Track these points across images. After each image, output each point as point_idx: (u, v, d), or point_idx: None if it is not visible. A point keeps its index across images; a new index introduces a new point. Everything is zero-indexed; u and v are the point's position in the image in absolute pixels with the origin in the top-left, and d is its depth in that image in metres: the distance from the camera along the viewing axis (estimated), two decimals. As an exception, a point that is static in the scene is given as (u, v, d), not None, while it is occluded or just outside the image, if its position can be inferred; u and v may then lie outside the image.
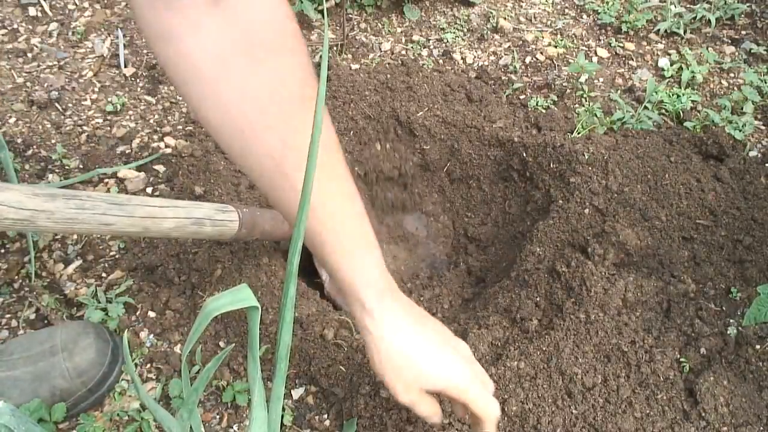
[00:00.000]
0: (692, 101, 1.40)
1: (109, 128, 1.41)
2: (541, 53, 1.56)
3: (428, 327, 0.77)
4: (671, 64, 1.50)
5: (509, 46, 1.60)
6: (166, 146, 1.38)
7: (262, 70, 0.64)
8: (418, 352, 0.74)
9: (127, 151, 1.36)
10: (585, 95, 1.44)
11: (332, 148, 0.71)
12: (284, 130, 0.67)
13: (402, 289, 1.20)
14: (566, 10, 1.70)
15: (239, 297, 0.56)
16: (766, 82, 1.40)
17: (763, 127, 1.35)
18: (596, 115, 1.38)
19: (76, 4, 1.68)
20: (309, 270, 1.28)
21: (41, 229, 0.73)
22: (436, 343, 0.76)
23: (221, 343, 1.04)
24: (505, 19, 1.67)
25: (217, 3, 0.62)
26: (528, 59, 1.55)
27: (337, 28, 1.63)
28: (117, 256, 1.17)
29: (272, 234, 1.04)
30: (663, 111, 1.40)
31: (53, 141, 1.36)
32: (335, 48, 1.58)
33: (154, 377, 1.01)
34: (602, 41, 1.60)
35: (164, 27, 0.63)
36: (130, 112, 1.45)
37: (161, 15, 0.62)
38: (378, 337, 0.73)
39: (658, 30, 1.58)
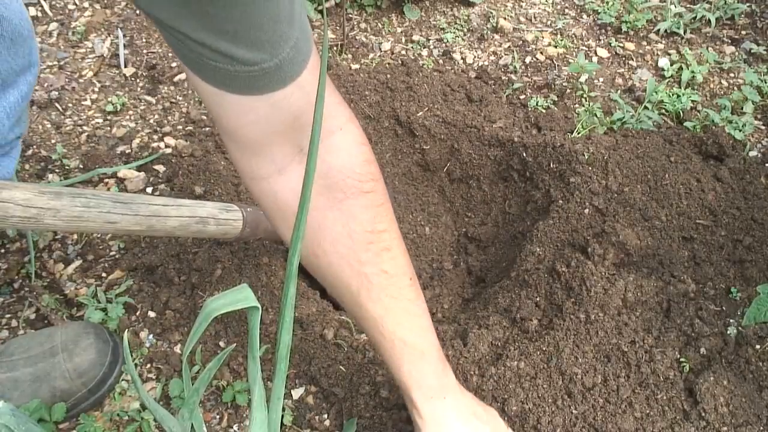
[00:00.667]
0: (692, 101, 1.40)
1: (109, 128, 1.41)
2: (541, 53, 1.56)
3: (474, 425, 0.81)
4: (671, 64, 1.50)
5: (509, 46, 1.60)
6: (166, 146, 1.38)
7: (338, 207, 0.71)
8: None
9: (127, 151, 1.36)
10: (585, 95, 1.44)
11: (405, 273, 0.78)
12: (355, 260, 0.73)
13: None
14: (566, 10, 1.70)
15: (239, 297, 0.56)
16: (766, 82, 1.40)
17: (763, 127, 1.35)
18: (596, 115, 1.38)
19: (76, 4, 1.68)
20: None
21: (47, 227, 0.73)
22: None
23: (221, 343, 1.04)
24: (505, 19, 1.67)
25: (302, 149, 0.68)
26: (528, 59, 1.55)
27: (337, 28, 1.63)
28: (117, 256, 1.17)
29: (276, 234, 1.04)
30: (663, 111, 1.40)
31: (53, 141, 1.36)
32: (335, 48, 1.58)
33: (154, 377, 1.01)
34: (602, 41, 1.60)
35: (253, 168, 0.70)
36: (130, 112, 1.45)
37: (250, 160, 0.69)
38: None
39: (658, 30, 1.59)
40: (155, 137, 1.40)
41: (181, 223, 0.85)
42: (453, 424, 0.79)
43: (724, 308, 1.02)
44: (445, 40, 1.63)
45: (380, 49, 1.61)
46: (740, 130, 1.29)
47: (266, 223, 1.01)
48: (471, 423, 0.81)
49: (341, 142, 0.70)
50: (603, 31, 1.63)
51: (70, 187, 0.75)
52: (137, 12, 1.66)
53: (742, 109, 1.35)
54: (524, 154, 1.32)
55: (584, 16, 1.68)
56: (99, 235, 1.20)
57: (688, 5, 1.66)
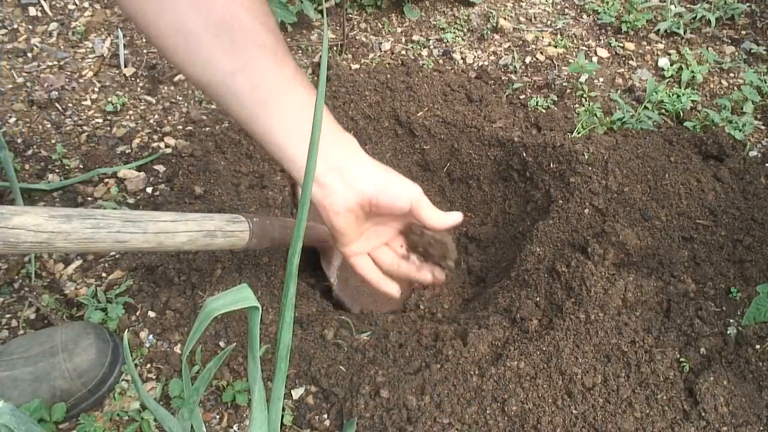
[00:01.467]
0: (692, 101, 1.40)
1: (109, 128, 1.41)
2: (541, 53, 1.56)
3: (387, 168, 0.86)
4: (671, 64, 1.50)
5: (509, 46, 1.60)
6: (166, 146, 1.38)
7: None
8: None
9: (127, 151, 1.36)
10: (585, 95, 1.44)
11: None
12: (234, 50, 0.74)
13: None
14: (566, 10, 1.70)
15: (239, 297, 0.56)
16: (766, 82, 1.40)
17: (763, 127, 1.35)
18: (596, 115, 1.38)
19: (76, 4, 1.68)
20: (316, 272, 1.28)
21: (57, 250, 0.74)
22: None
23: (221, 343, 1.04)
24: (505, 19, 1.67)
25: None
26: (528, 59, 1.55)
27: (337, 28, 1.63)
28: (117, 256, 1.17)
29: (282, 242, 1.04)
30: (663, 111, 1.40)
31: (53, 141, 1.36)
32: (335, 48, 1.58)
33: (154, 377, 1.01)
34: (602, 41, 1.60)
35: None
36: (130, 112, 1.45)
37: None
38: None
39: (658, 30, 1.59)
40: (155, 137, 1.40)
41: (189, 237, 0.86)
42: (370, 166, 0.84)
43: (724, 308, 1.02)
44: (445, 40, 1.63)
45: (380, 49, 1.61)
46: (740, 130, 1.29)
47: (273, 232, 1.02)
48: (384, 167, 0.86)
49: None
50: (603, 31, 1.63)
51: (79, 208, 0.76)
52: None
53: (742, 109, 1.35)
54: (524, 154, 1.32)
55: (584, 16, 1.68)
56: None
57: (688, 5, 1.66)
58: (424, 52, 1.60)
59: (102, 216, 0.77)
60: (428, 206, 0.88)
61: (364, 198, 0.83)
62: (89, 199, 1.26)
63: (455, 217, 0.90)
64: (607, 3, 1.68)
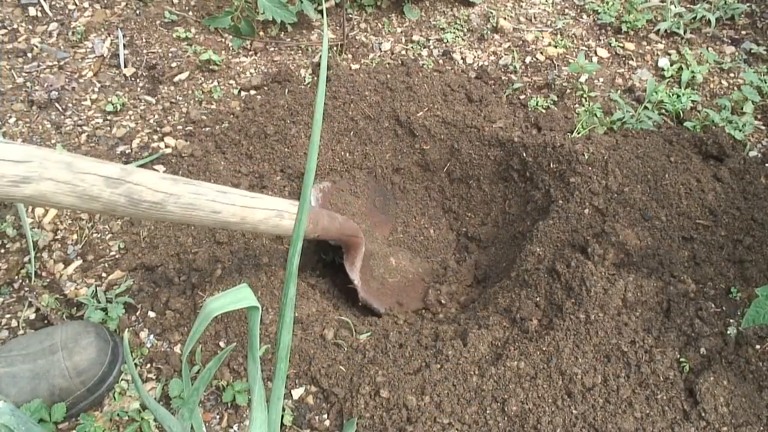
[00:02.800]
0: (692, 101, 1.40)
1: (109, 128, 1.41)
2: (541, 53, 1.56)
3: None
4: (671, 64, 1.50)
5: (509, 46, 1.60)
6: (166, 146, 1.38)
7: None
8: None
9: (127, 151, 1.36)
10: (585, 95, 1.44)
11: None
12: None
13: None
14: (566, 10, 1.70)
15: (239, 297, 0.56)
16: (766, 82, 1.40)
17: (763, 127, 1.35)
18: (596, 115, 1.38)
19: (76, 4, 1.68)
20: (316, 272, 1.29)
21: (163, 217, 0.74)
22: None
23: (221, 343, 1.04)
24: (505, 19, 1.67)
25: None
26: (528, 59, 1.55)
27: (337, 28, 1.63)
28: (117, 256, 1.17)
29: (328, 230, 1.06)
30: (663, 111, 1.40)
31: (53, 141, 1.36)
32: (335, 48, 1.58)
33: (154, 377, 1.01)
34: (602, 41, 1.60)
35: None
36: (130, 112, 1.45)
37: None
38: None
39: (658, 30, 1.59)
40: (155, 137, 1.40)
41: (266, 215, 0.88)
42: None
43: (724, 308, 1.02)
44: (445, 40, 1.63)
45: (380, 49, 1.61)
46: (740, 130, 1.29)
47: (322, 220, 1.03)
48: None
49: None
50: (603, 31, 1.63)
51: (173, 175, 0.77)
52: (137, 12, 1.66)
53: (742, 109, 1.35)
54: (524, 154, 1.32)
55: (584, 16, 1.68)
56: (99, 235, 1.20)
57: (688, 5, 1.66)
58: (424, 52, 1.60)
59: (197, 183, 0.79)
60: None
61: None
62: (89, 199, 1.26)
63: None
64: (607, 3, 1.68)
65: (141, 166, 1.32)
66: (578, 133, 1.33)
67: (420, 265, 1.39)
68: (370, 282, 1.29)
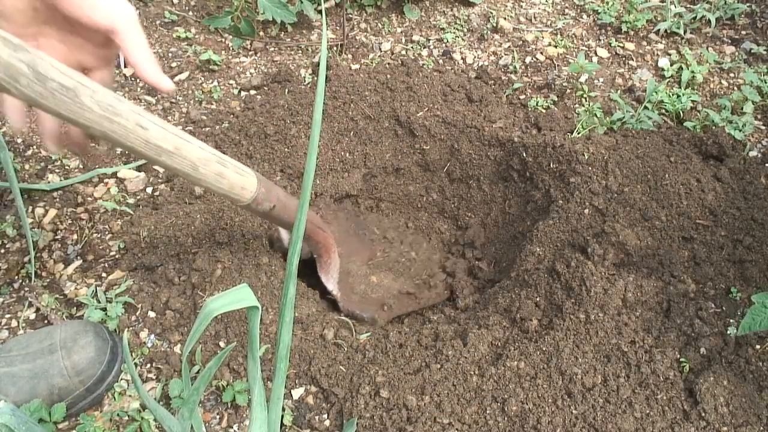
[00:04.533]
0: (692, 101, 1.40)
1: (109, 128, 1.41)
2: (541, 53, 1.56)
3: None
4: (671, 64, 1.50)
5: (509, 46, 1.60)
6: (166, 146, 1.38)
7: None
8: None
9: (126, 151, 1.36)
10: (585, 95, 1.44)
11: None
12: None
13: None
14: (566, 10, 1.70)
15: (239, 297, 0.56)
16: (766, 82, 1.40)
17: (763, 127, 1.35)
18: (596, 115, 1.38)
19: (76, 4, 1.68)
20: (316, 274, 1.27)
21: (77, 114, 0.64)
22: None
23: (221, 343, 1.04)
24: (505, 19, 1.67)
25: None
26: (528, 59, 1.55)
27: (337, 28, 1.63)
28: (117, 256, 1.17)
29: (287, 207, 0.99)
30: (663, 111, 1.40)
31: (53, 141, 1.36)
32: (335, 48, 1.58)
33: (154, 377, 1.01)
34: (602, 41, 1.60)
35: None
36: (130, 112, 1.45)
37: None
38: None
39: (658, 30, 1.59)
40: (155, 137, 1.40)
41: (203, 156, 0.81)
42: None
43: (724, 308, 1.02)
44: (445, 40, 1.63)
45: (380, 49, 1.61)
46: (740, 130, 1.29)
47: (278, 193, 0.97)
48: None
49: None
50: (603, 31, 1.63)
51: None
52: (137, 12, 1.66)
53: (742, 109, 1.35)
54: (524, 154, 1.32)
55: (584, 16, 1.68)
56: (99, 235, 1.20)
57: (688, 5, 1.66)
58: (424, 52, 1.60)
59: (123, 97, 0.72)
60: (137, 41, 0.70)
61: None
62: (89, 199, 1.26)
63: (167, 84, 0.77)
64: (607, 3, 1.68)
65: (141, 166, 1.32)
66: (578, 133, 1.33)
67: (405, 284, 1.36)
68: (350, 296, 1.26)
